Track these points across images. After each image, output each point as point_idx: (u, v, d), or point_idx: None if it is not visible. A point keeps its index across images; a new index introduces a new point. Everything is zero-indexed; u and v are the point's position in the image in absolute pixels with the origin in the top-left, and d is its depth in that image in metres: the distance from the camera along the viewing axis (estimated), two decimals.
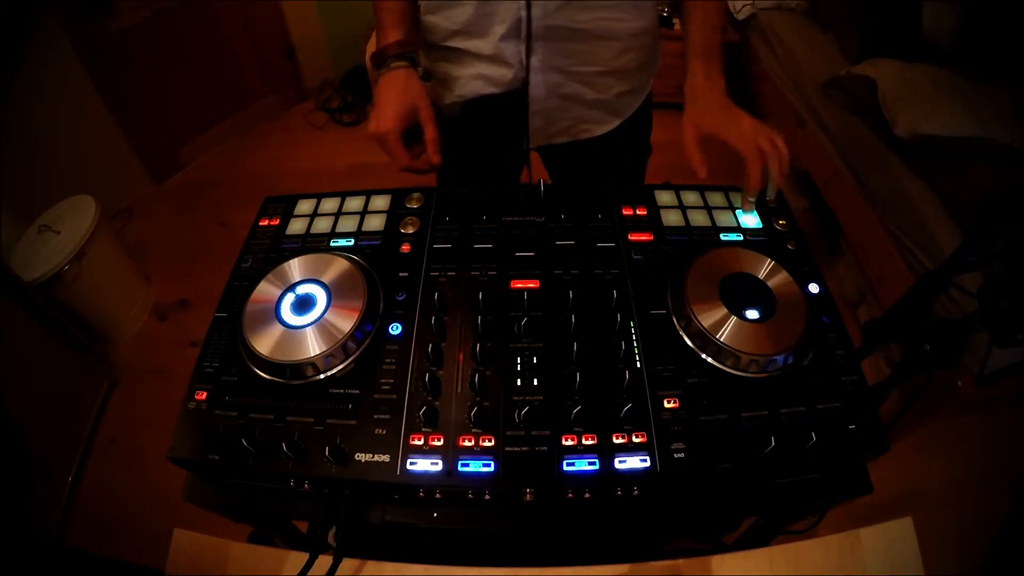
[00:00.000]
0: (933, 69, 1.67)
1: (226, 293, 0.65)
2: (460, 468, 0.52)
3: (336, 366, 0.57)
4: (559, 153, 0.95)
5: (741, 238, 0.68)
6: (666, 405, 0.54)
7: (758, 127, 0.69)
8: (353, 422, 0.54)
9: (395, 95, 0.74)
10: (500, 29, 0.77)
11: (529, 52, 0.78)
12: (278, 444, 0.52)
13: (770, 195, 0.71)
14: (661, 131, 1.03)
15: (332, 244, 0.69)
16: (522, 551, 0.63)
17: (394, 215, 0.71)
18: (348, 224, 0.71)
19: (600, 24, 0.78)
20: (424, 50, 0.88)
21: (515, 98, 0.84)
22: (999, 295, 0.65)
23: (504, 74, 0.82)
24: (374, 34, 0.83)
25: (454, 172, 0.97)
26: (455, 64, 0.85)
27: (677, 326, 0.60)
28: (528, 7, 0.74)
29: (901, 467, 1.43)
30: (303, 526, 0.76)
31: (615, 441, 0.52)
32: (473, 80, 0.84)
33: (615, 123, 0.92)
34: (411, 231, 0.69)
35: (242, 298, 0.62)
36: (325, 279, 0.62)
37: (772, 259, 0.63)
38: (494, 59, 0.81)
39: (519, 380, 0.56)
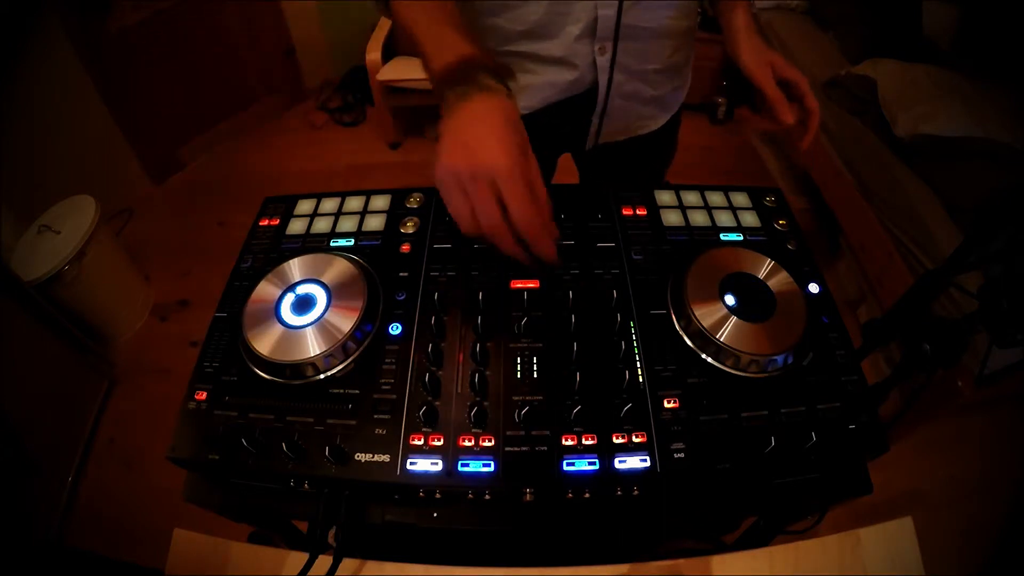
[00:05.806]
0: (933, 69, 1.68)
1: (226, 293, 0.65)
2: (460, 468, 0.51)
3: (336, 366, 0.57)
4: (598, 154, 0.94)
5: (741, 238, 0.68)
6: (666, 405, 0.54)
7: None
8: (353, 422, 0.54)
9: (504, 129, 0.50)
10: (574, 29, 0.75)
11: (599, 52, 0.77)
12: (278, 444, 0.52)
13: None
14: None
15: (332, 244, 0.68)
16: (522, 551, 0.63)
17: (394, 215, 0.71)
18: (348, 224, 0.71)
19: (660, 23, 0.78)
20: None
21: (578, 101, 0.83)
22: (999, 295, 0.65)
23: (572, 77, 0.80)
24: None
25: None
26: (518, 72, 0.81)
27: (677, 326, 0.60)
28: (607, 7, 0.73)
29: (901, 467, 1.43)
30: (303, 526, 0.76)
31: (615, 441, 0.52)
32: (540, 89, 0.82)
33: (666, 118, 0.94)
34: (411, 231, 0.69)
35: (242, 298, 0.61)
36: (325, 279, 0.62)
37: (772, 259, 0.63)
38: (562, 61, 0.79)
39: (519, 380, 0.56)
